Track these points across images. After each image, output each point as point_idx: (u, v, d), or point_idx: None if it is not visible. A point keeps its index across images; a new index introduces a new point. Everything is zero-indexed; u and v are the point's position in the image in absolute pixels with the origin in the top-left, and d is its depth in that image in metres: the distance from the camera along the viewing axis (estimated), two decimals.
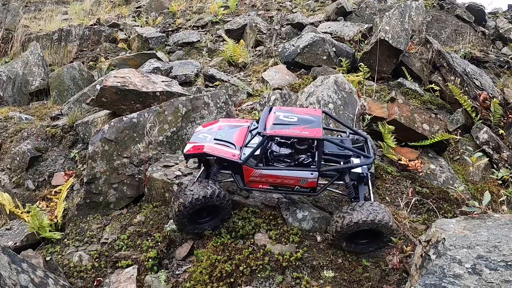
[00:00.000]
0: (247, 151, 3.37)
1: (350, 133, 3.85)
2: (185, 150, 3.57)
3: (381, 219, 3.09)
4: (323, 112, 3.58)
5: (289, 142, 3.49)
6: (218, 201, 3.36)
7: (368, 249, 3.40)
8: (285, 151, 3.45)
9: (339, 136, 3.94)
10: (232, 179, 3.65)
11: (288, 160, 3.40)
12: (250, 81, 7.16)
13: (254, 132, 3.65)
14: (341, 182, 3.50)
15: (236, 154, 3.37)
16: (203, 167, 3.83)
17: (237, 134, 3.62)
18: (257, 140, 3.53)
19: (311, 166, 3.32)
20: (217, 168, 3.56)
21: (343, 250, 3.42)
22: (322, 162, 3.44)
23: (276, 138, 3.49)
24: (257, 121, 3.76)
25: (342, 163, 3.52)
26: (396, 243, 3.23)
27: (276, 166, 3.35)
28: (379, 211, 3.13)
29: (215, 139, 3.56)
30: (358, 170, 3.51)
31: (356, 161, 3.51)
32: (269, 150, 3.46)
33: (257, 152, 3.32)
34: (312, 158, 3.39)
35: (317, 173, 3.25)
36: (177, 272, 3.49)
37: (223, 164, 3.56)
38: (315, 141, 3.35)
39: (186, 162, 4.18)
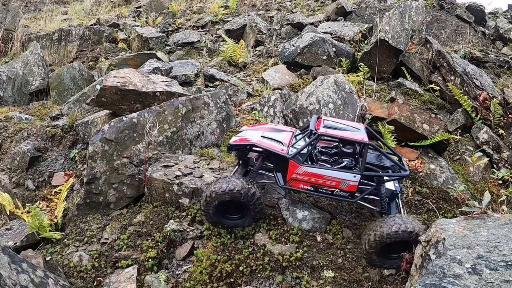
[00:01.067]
0: (294, 150, 3.45)
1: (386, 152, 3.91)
2: (230, 141, 3.64)
3: (412, 230, 3.09)
4: (366, 127, 3.65)
5: (330, 150, 3.58)
6: (246, 198, 3.37)
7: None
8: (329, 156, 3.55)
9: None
10: (266, 180, 3.71)
11: (332, 164, 3.47)
12: (250, 81, 7.16)
13: (298, 137, 3.75)
14: (375, 197, 3.52)
15: (284, 149, 3.44)
16: (239, 165, 3.88)
17: (284, 135, 3.70)
18: (302, 143, 3.62)
19: (354, 170, 3.37)
20: (259, 165, 3.60)
21: (376, 266, 3.38)
22: None
23: (321, 147, 3.61)
24: (302, 130, 3.94)
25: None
26: None
27: (322, 165, 3.40)
28: (411, 222, 3.15)
29: (262, 136, 3.63)
30: (392, 187, 3.57)
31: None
32: (315, 153, 3.54)
33: (305, 151, 3.40)
34: (355, 163, 3.45)
35: (359, 176, 3.28)
36: (177, 272, 3.49)
37: (264, 163, 3.62)
38: (361, 146, 3.41)
39: (229, 153, 4.26)
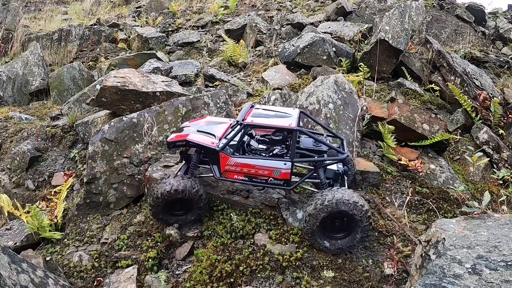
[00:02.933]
0: (224, 143, 3.50)
1: (327, 135, 3.99)
2: (168, 139, 3.70)
3: (350, 198, 3.07)
4: (302, 112, 3.70)
5: (267, 139, 3.62)
6: (189, 195, 3.47)
7: (346, 245, 3.32)
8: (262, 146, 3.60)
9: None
10: (208, 175, 3.77)
11: (264, 153, 3.53)
12: (250, 81, 7.16)
13: (235, 128, 3.77)
14: (317, 181, 3.52)
15: (215, 142, 3.49)
16: (183, 162, 3.92)
17: (219, 128, 3.74)
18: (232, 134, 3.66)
19: (284, 158, 3.40)
20: (196, 159, 3.65)
21: (321, 250, 3.38)
22: (298, 157, 3.54)
23: (254, 133, 3.67)
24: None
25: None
26: (395, 243, 3.22)
27: (251, 156, 3.44)
28: (348, 192, 3.15)
29: (198, 130, 3.69)
30: (334, 167, 3.57)
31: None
32: (246, 143, 3.60)
33: (234, 142, 3.44)
34: (286, 150, 3.48)
35: (290, 163, 3.30)
36: (177, 272, 3.49)
37: (202, 157, 3.67)
38: (289, 132, 3.43)
39: (169, 150, 4.33)
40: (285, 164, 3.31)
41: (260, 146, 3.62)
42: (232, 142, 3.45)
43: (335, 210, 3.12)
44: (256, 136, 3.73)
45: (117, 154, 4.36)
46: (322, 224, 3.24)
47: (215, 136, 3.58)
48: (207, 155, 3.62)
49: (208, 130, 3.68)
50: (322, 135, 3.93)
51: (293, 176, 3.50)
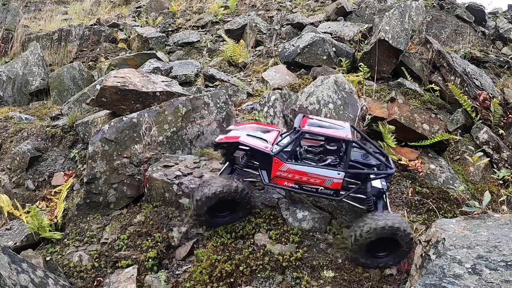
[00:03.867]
0: (278, 148, 3.46)
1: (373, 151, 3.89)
2: (216, 139, 3.66)
3: (399, 226, 3.03)
4: (351, 125, 3.65)
5: (316, 149, 3.58)
6: (240, 197, 3.40)
7: (388, 263, 3.28)
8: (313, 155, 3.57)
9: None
10: (253, 179, 3.72)
11: (317, 161, 3.48)
12: (250, 81, 7.16)
13: (284, 135, 3.76)
14: (362, 196, 3.48)
15: (268, 147, 3.44)
16: (226, 164, 3.89)
17: (270, 135, 3.71)
18: (287, 140, 3.63)
19: (338, 168, 3.36)
20: (244, 163, 3.61)
21: (362, 266, 3.33)
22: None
23: (307, 146, 3.63)
24: (288, 129, 3.95)
25: None
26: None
27: (305, 163, 3.39)
28: (397, 218, 3.10)
29: (247, 134, 3.64)
30: (379, 185, 3.54)
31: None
32: (299, 151, 3.55)
33: (289, 148, 3.41)
34: (339, 161, 3.44)
35: (343, 173, 3.27)
36: (177, 272, 3.49)
37: (250, 161, 3.64)
38: (345, 143, 3.41)
39: (215, 151, 4.26)
40: (338, 174, 3.27)
41: (308, 156, 3.56)
42: (285, 149, 3.39)
43: (385, 236, 3.07)
44: (303, 147, 3.66)
45: (117, 154, 4.36)
46: (368, 246, 3.19)
47: (267, 141, 3.53)
48: (258, 159, 3.58)
49: (259, 135, 3.63)
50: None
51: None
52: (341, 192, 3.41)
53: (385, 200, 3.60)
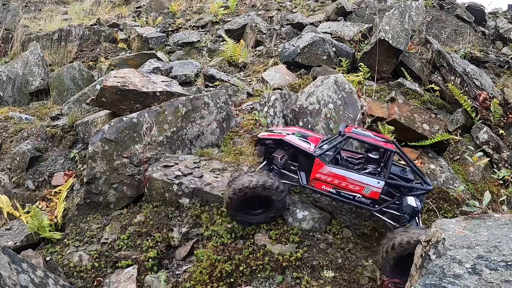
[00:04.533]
0: (321, 150, 3.47)
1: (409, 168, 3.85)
2: (259, 135, 3.70)
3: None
4: (392, 141, 3.61)
5: (355, 160, 3.59)
6: (276, 194, 3.36)
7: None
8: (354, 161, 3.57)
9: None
10: (290, 181, 3.68)
11: (357, 168, 3.46)
12: (250, 81, 7.16)
13: (325, 141, 3.74)
14: (396, 213, 3.45)
15: (311, 148, 3.46)
16: (264, 162, 3.89)
17: (312, 138, 3.73)
18: (330, 144, 3.63)
19: (378, 176, 3.34)
20: (283, 162, 3.62)
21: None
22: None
23: (346, 157, 3.64)
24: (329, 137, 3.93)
25: None
26: None
27: (346, 168, 3.37)
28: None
29: (292, 134, 3.68)
30: (413, 204, 3.50)
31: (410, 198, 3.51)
32: (340, 158, 3.54)
33: (331, 152, 3.40)
34: (379, 170, 3.43)
35: (383, 182, 3.24)
36: (177, 272, 3.49)
37: (290, 162, 3.65)
38: (387, 153, 3.40)
39: (256, 147, 4.24)
40: (378, 182, 3.23)
41: (349, 164, 3.57)
42: (327, 152, 3.40)
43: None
44: (343, 156, 3.67)
45: (117, 154, 4.36)
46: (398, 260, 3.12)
47: (310, 143, 3.54)
48: (298, 160, 3.56)
49: (302, 137, 3.66)
50: (405, 168, 3.78)
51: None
52: (377, 205, 3.37)
53: (417, 220, 3.53)
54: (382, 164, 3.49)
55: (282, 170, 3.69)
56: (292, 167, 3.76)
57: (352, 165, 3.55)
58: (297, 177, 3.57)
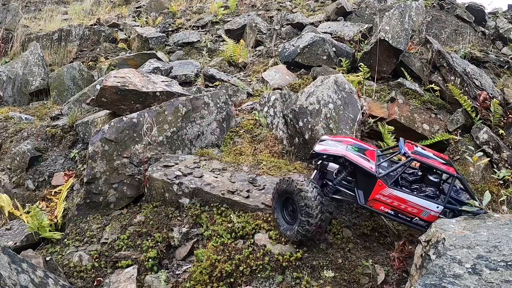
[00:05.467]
0: (380, 170, 3.37)
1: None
2: (316, 149, 3.53)
3: None
4: (451, 163, 3.53)
5: (409, 177, 3.50)
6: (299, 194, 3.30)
7: None
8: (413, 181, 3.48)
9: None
10: (343, 197, 3.60)
11: (415, 190, 3.38)
12: (250, 81, 7.16)
13: (381, 156, 3.67)
14: None
15: (373, 167, 3.34)
16: (315, 172, 3.80)
17: (368, 153, 3.61)
18: (386, 163, 3.57)
19: (437, 201, 3.29)
20: (339, 180, 3.51)
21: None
22: None
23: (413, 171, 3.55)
24: (383, 149, 3.83)
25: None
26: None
27: (406, 190, 3.30)
28: None
29: (349, 150, 3.53)
30: None
31: None
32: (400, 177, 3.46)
33: (394, 173, 3.33)
34: (438, 193, 3.37)
35: (442, 207, 3.20)
36: (177, 272, 3.49)
37: (345, 178, 3.53)
38: (450, 177, 3.36)
39: (309, 162, 4.20)
40: (437, 207, 3.19)
41: (402, 182, 3.47)
42: (390, 173, 3.32)
43: None
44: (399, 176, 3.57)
45: (117, 154, 4.36)
46: None
47: (369, 161, 3.42)
48: (357, 178, 3.46)
49: (359, 152, 3.53)
50: (458, 189, 3.70)
51: None
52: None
53: None
54: (441, 187, 3.41)
55: (337, 186, 3.53)
56: (346, 183, 3.58)
57: (408, 183, 3.45)
58: (354, 194, 3.46)
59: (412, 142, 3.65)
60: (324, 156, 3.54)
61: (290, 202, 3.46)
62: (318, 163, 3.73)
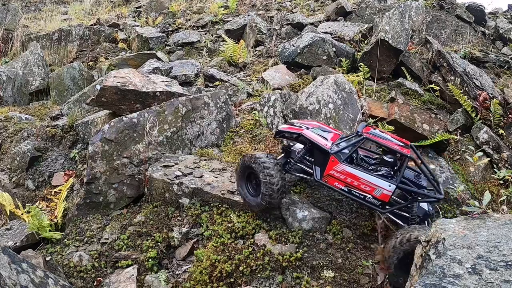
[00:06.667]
0: (335, 148, 3.51)
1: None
2: (279, 127, 3.79)
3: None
4: (411, 146, 3.61)
5: (371, 160, 3.62)
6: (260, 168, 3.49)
7: None
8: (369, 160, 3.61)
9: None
10: (304, 175, 3.78)
11: (371, 169, 3.48)
12: (250, 81, 7.16)
13: (343, 139, 3.77)
14: (407, 215, 3.44)
15: (328, 144, 3.50)
16: (282, 155, 3.98)
17: (330, 135, 3.75)
18: (347, 143, 3.66)
19: (390, 180, 3.34)
20: (300, 156, 3.70)
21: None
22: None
23: (363, 155, 3.68)
24: (347, 135, 3.97)
25: None
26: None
27: (360, 168, 3.39)
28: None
29: (310, 129, 3.73)
30: (426, 207, 3.50)
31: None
32: (355, 157, 3.59)
33: (347, 150, 3.45)
34: (392, 174, 3.44)
35: (394, 186, 3.24)
36: (177, 272, 3.49)
37: (306, 156, 3.72)
38: (402, 157, 3.41)
39: (276, 138, 4.43)
40: (389, 185, 3.24)
41: (362, 163, 3.60)
42: (343, 150, 3.44)
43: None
44: (360, 155, 3.71)
45: (117, 154, 4.36)
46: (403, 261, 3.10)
47: (327, 139, 3.57)
48: (314, 155, 3.62)
49: (320, 133, 3.68)
50: (419, 174, 3.75)
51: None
52: (387, 206, 3.37)
53: (429, 223, 3.49)
54: (396, 168, 3.49)
55: (298, 164, 3.73)
56: (308, 162, 3.78)
57: (367, 165, 3.57)
58: (312, 171, 3.61)
59: (374, 126, 3.79)
60: (286, 134, 3.79)
61: (253, 177, 3.67)
62: (284, 143, 3.96)
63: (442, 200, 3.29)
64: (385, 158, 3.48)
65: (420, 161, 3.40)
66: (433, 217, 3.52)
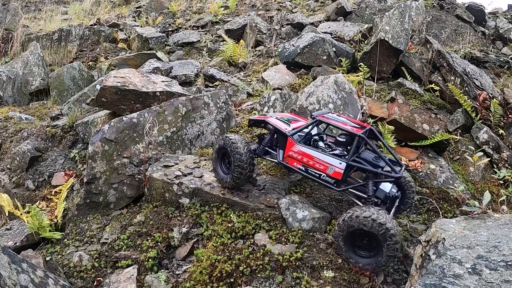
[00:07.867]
0: (293, 131, 3.75)
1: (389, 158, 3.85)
2: (251, 118, 4.15)
3: (384, 222, 2.92)
4: (371, 129, 3.69)
5: (333, 142, 3.82)
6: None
7: (367, 265, 3.17)
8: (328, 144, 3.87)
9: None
10: (270, 158, 4.00)
11: (325, 149, 3.71)
12: (250, 81, 7.16)
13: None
14: (364, 195, 3.45)
15: (288, 128, 3.75)
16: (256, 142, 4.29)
17: (296, 123, 3.98)
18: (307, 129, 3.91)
19: (342, 158, 3.49)
20: (267, 141, 3.97)
21: (342, 258, 3.34)
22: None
23: (324, 138, 3.94)
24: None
25: None
26: None
27: (313, 148, 3.61)
28: (382, 214, 3.02)
29: (277, 118, 4.01)
30: (386, 189, 3.46)
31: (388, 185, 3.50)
32: (313, 139, 3.85)
33: (303, 133, 3.73)
34: (346, 153, 3.60)
35: (345, 164, 3.35)
36: (177, 272, 3.49)
37: (272, 141, 3.99)
38: (353, 137, 3.53)
39: (248, 127, 4.78)
40: (340, 163, 3.37)
41: (322, 145, 3.82)
42: (301, 133, 3.71)
43: (356, 228, 3.04)
44: (326, 141, 3.92)
45: (117, 154, 4.36)
46: (349, 238, 3.17)
47: (289, 125, 3.84)
48: (278, 139, 3.88)
49: (286, 120, 3.97)
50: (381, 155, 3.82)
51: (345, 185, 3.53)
52: (341, 185, 3.48)
53: (391, 206, 3.47)
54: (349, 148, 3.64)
55: (266, 148, 3.99)
56: (274, 146, 4.05)
57: (327, 146, 3.77)
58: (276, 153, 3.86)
59: (333, 112, 3.99)
60: (256, 123, 4.12)
61: (226, 156, 3.95)
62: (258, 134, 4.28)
63: (398, 178, 3.30)
64: (338, 138, 3.68)
65: (371, 142, 3.46)
66: (397, 199, 3.54)
